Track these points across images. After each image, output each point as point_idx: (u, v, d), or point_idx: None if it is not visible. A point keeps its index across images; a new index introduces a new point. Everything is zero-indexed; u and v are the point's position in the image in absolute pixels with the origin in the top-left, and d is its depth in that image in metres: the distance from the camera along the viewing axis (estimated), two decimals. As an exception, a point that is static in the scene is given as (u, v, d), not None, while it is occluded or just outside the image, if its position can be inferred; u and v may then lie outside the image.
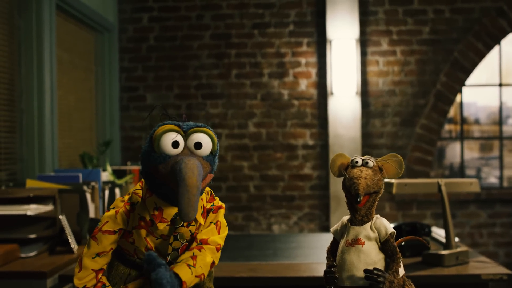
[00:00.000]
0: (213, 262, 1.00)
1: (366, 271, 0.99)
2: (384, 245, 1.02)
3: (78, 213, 2.08)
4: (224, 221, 1.03)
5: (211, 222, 1.00)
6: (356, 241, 1.03)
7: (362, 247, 1.02)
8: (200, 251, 0.97)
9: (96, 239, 0.94)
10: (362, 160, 1.06)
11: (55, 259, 1.81)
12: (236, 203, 3.78)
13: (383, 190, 1.07)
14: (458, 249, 1.73)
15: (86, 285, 0.94)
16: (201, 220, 0.97)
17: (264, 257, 1.91)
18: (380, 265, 1.01)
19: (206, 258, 0.96)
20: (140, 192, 0.96)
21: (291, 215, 3.77)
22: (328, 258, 1.10)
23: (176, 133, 0.90)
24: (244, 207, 3.78)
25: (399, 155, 1.08)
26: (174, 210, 0.93)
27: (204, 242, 0.98)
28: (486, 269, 1.66)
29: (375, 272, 0.98)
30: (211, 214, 1.00)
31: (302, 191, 3.76)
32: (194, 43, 3.80)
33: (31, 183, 2.14)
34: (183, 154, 0.89)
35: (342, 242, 1.06)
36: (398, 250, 1.03)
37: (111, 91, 3.72)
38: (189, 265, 0.93)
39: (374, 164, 1.05)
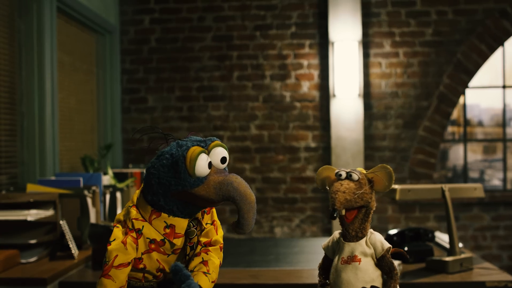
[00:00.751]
0: (219, 264, 1.02)
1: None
2: (381, 261, 0.98)
3: (79, 218, 2.07)
4: (218, 220, 1.04)
5: (207, 223, 1.00)
6: (352, 258, 0.99)
7: (359, 264, 0.98)
8: (208, 254, 0.98)
9: (111, 276, 0.90)
10: (347, 173, 1.02)
11: (55, 265, 1.80)
12: (238, 205, 3.76)
13: (373, 203, 1.03)
14: (463, 256, 1.71)
15: None
16: (204, 225, 0.99)
17: (266, 263, 1.89)
18: (378, 282, 0.98)
19: (215, 262, 0.99)
20: (139, 217, 0.93)
21: (293, 217, 3.75)
22: (320, 275, 1.08)
23: (206, 154, 0.90)
24: (246, 210, 3.76)
25: (388, 167, 1.00)
26: (186, 222, 0.93)
27: (208, 244, 0.99)
28: (491, 276, 1.64)
29: None
30: (205, 215, 0.99)
31: (304, 193, 3.75)
32: (196, 45, 3.78)
33: (31, 188, 2.13)
34: (213, 171, 0.90)
35: (335, 260, 1.02)
36: (396, 266, 0.99)
37: (112, 93, 3.71)
38: (205, 273, 0.95)
39: (360, 177, 1.01)
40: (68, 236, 1.92)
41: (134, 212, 0.94)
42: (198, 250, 0.99)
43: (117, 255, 0.89)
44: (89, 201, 2.15)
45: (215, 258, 0.99)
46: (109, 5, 3.62)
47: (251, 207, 0.87)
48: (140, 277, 0.96)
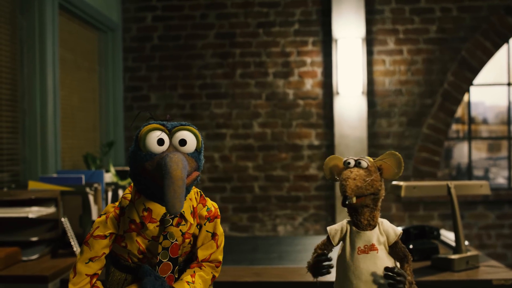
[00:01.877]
0: (214, 277, 1.02)
1: (386, 269, 0.94)
2: (394, 247, 0.97)
3: (81, 215, 2.05)
4: (221, 230, 1.04)
5: (207, 231, 1.00)
6: (370, 248, 0.98)
7: (377, 253, 0.97)
8: (201, 268, 1.00)
9: (88, 244, 0.96)
10: (355, 160, 1.00)
11: (57, 262, 1.79)
12: (240, 203, 3.74)
13: (382, 191, 1.01)
14: (469, 253, 1.69)
15: None
16: (191, 219, 0.98)
17: (269, 261, 1.87)
18: (380, 263, 0.97)
19: (205, 276, 1.00)
20: (129, 196, 0.98)
21: (296, 216, 3.73)
22: (315, 251, 1.05)
23: (160, 131, 0.92)
24: (248, 208, 3.75)
25: (397, 153, 1.00)
26: (163, 210, 0.94)
27: (205, 260, 1.01)
28: (497, 274, 1.62)
29: (396, 271, 0.93)
30: (207, 223, 1.00)
31: (308, 191, 3.73)
32: (198, 42, 3.77)
33: (33, 185, 2.12)
34: (168, 151, 0.91)
35: (347, 250, 1.00)
36: (407, 251, 0.99)
37: (114, 91, 3.70)
38: (188, 282, 0.97)
39: (368, 164, 0.99)
40: (70, 233, 1.91)
41: (127, 190, 0.99)
42: (193, 264, 1.01)
43: (98, 227, 0.95)
44: (91, 198, 2.14)
45: (207, 273, 1.00)
46: (111, 2, 3.60)
47: (171, 182, 0.84)
48: (126, 256, 0.98)
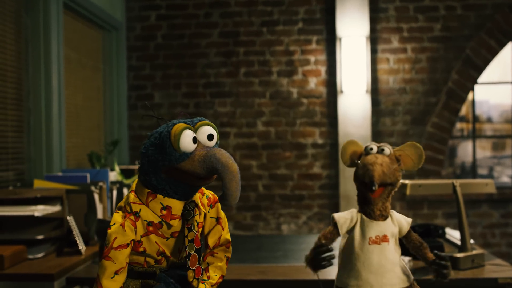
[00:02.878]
0: (227, 258, 1.06)
1: (435, 254, 0.96)
2: (408, 237, 0.96)
3: (86, 213, 2.06)
4: (223, 213, 1.06)
5: (211, 217, 1.03)
6: (382, 238, 0.95)
7: (388, 244, 0.95)
8: (213, 256, 1.03)
9: (110, 258, 0.92)
10: (378, 147, 0.98)
11: (62, 261, 1.79)
12: (244, 202, 3.75)
13: (399, 183, 0.98)
14: (474, 252, 1.69)
15: None
16: (203, 209, 1.00)
17: (274, 259, 1.87)
18: (401, 263, 0.95)
19: (219, 262, 1.03)
20: (137, 200, 0.96)
21: (300, 214, 3.73)
22: (319, 240, 1.03)
23: (191, 130, 0.93)
24: (252, 207, 3.75)
25: (419, 145, 0.97)
26: (182, 204, 0.95)
27: (216, 245, 1.03)
28: (503, 273, 1.62)
29: (442, 254, 0.92)
30: (210, 210, 1.03)
31: (312, 190, 3.72)
32: (202, 41, 3.77)
33: (38, 183, 2.13)
34: (199, 147, 0.93)
35: (357, 239, 0.97)
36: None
37: (119, 89, 3.70)
38: (203, 281, 1.00)
39: (391, 152, 0.97)
40: (75, 232, 1.91)
41: (132, 196, 0.97)
42: (206, 253, 1.03)
43: (116, 237, 0.92)
44: (96, 197, 2.14)
45: (221, 258, 1.03)
46: (115, 1, 3.61)
47: (233, 176, 0.88)
48: (142, 261, 0.97)
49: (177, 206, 0.95)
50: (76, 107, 3.16)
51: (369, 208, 0.96)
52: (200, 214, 0.99)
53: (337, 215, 1.01)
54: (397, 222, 0.95)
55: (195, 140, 0.92)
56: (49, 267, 1.71)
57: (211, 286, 1.01)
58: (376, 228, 0.96)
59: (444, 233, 1.89)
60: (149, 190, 0.95)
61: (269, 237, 2.45)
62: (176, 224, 0.95)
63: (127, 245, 0.92)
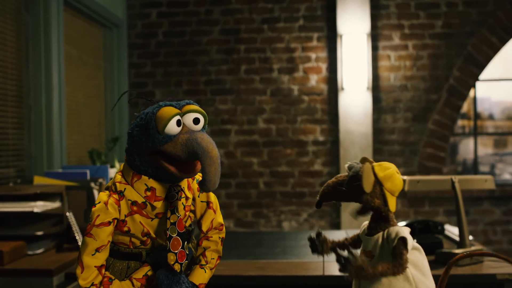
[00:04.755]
0: (222, 239, 1.06)
1: (311, 239, 0.98)
2: (393, 250, 0.94)
3: (86, 210, 2.07)
4: (213, 195, 1.06)
5: (202, 201, 1.03)
6: (366, 254, 0.97)
7: (371, 260, 0.95)
8: (208, 240, 1.03)
9: (92, 235, 0.92)
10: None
11: (62, 256, 1.80)
12: (245, 199, 3.75)
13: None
14: (472, 248, 1.68)
15: (93, 282, 0.93)
16: (188, 194, 1.00)
17: (273, 255, 1.87)
18: (387, 283, 0.94)
19: (214, 246, 1.04)
20: (123, 180, 0.96)
21: (301, 212, 3.73)
22: (346, 239, 1.05)
23: (178, 115, 0.93)
24: (253, 204, 3.75)
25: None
26: (166, 187, 0.96)
27: (209, 229, 1.04)
28: (502, 269, 1.61)
29: (348, 251, 0.92)
30: (200, 194, 1.03)
31: (313, 187, 3.72)
32: (203, 38, 3.77)
33: (38, 180, 2.13)
34: (184, 130, 0.93)
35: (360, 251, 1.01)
36: (404, 258, 0.91)
37: (119, 87, 3.71)
38: (201, 265, 1.02)
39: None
40: (75, 228, 1.92)
41: (118, 176, 0.97)
42: (200, 237, 1.04)
43: (98, 215, 0.92)
44: (96, 193, 2.15)
45: (215, 241, 1.04)
46: (116, -1, 3.61)
47: (212, 161, 0.88)
48: (128, 241, 0.97)
49: (161, 188, 0.95)
50: (77, 105, 3.17)
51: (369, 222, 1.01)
52: (186, 198, 0.99)
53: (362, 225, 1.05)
54: (386, 237, 0.95)
55: (179, 123, 0.92)
56: (48, 262, 1.72)
57: (210, 269, 1.02)
58: (364, 243, 1.00)
59: (443, 229, 1.89)
60: (133, 171, 0.95)
61: (269, 233, 2.45)
62: (160, 205, 0.95)
63: (109, 223, 0.93)
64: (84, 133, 3.28)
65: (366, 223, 1.03)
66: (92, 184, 2.13)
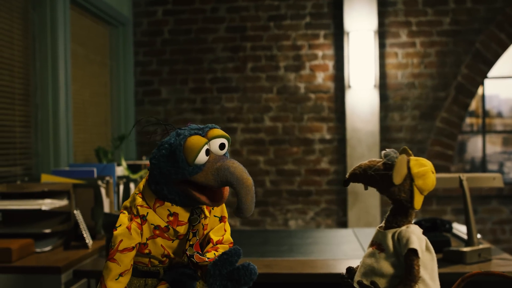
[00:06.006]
0: None
1: (359, 283, 0.93)
2: (404, 260, 0.90)
3: (93, 208, 2.07)
4: (226, 212, 1.05)
5: (215, 216, 1.02)
6: (375, 245, 0.96)
7: (378, 253, 0.94)
8: (217, 251, 1.00)
9: (115, 260, 0.92)
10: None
11: (69, 254, 1.81)
12: (252, 198, 3.74)
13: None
14: (481, 246, 1.67)
15: None
16: (207, 213, 1.00)
17: (279, 253, 1.87)
18: (387, 281, 0.92)
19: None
20: (144, 204, 0.96)
21: (308, 210, 3.73)
22: None
23: (205, 142, 0.92)
24: (260, 202, 3.75)
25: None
26: (189, 211, 0.96)
27: (219, 242, 1.02)
28: (510, 267, 1.60)
29: (365, 284, 0.91)
30: (215, 208, 1.02)
31: (319, 186, 3.71)
32: (209, 36, 3.77)
33: (46, 178, 2.14)
34: (211, 158, 0.92)
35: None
36: (415, 272, 0.89)
37: (126, 85, 3.72)
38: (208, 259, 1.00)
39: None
40: (82, 225, 1.93)
41: (139, 199, 0.96)
42: (208, 247, 1.01)
43: (122, 240, 0.92)
44: (103, 191, 2.15)
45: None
46: (122, -3, 3.62)
47: (248, 190, 0.89)
48: (146, 262, 0.97)
49: (183, 212, 0.95)
50: (84, 103, 3.18)
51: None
52: (205, 216, 0.99)
53: None
54: (397, 239, 0.93)
55: (207, 152, 0.91)
56: (56, 260, 1.73)
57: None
58: (376, 235, 0.98)
59: (451, 227, 1.88)
60: (156, 197, 0.95)
61: (275, 231, 2.45)
62: (183, 230, 0.95)
63: (133, 248, 0.93)
64: (91, 131, 3.29)
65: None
66: (99, 182, 2.13)
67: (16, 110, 2.49)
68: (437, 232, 1.83)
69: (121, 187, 2.45)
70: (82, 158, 3.09)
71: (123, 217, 0.94)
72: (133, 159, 3.62)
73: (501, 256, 1.73)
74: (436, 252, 1.73)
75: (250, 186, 0.89)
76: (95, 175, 2.29)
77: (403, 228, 0.94)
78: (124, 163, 2.68)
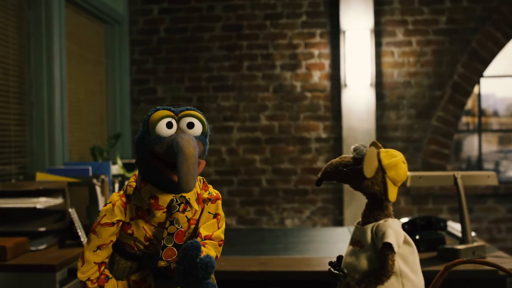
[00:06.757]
0: (216, 256, 1.02)
1: (330, 263, 0.93)
2: (379, 253, 0.90)
3: (88, 206, 2.07)
4: (223, 212, 1.04)
5: (209, 212, 1.01)
6: (355, 242, 0.94)
7: (358, 250, 0.93)
8: (204, 246, 0.99)
9: (96, 232, 0.96)
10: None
11: (64, 252, 1.81)
12: (248, 197, 3.74)
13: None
14: (475, 244, 1.68)
15: (89, 277, 0.96)
16: (196, 206, 0.99)
17: (275, 251, 1.87)
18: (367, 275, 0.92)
19: (211, 253, 0.99)
20: (134, 184, 0.99)
21: (304, 209, 3.73)
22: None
23: (169, 116, 0.95)
24: (256, 201, 3.75)
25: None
26: (169, 197, 0.96)
27: (208, 238, 1.01)
28: (504, 265, 1.60)
29: (337, 267, 0.90)
30: (209, 204, 1.01)
31: (315, 185, 3.71)
32: (205, 34, 3.76)
33: (41, 176, 2.13)
34: (177, 133, 0.94)
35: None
36: (388, 266, 0.88)
37: (121, 84, 3.71)
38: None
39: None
40: (77, 224, 1.92)
41: (132, 179, 1.00)
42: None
43: (105, 215, 0.96)
44: (98, 189, 2.15)
45: (211, 251, 1.00)
46: (118, -5, 3.61)
47: (184, 159, 0.87)
48: (132, 244, 0.98)
49: (164, 197, 0.95)
50: (79, 101, 3.17)
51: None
52: (191, 210, 0.98)
53: None
54: (375, 232, 0.92)
55: (170, 125, 0.93)
56: (51, 258, 1.73)
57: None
58: (354, 231, 0.97)
59: (445, 225, 1.88)
60: (142, 177, 0.97)
61: (271, 230, 2.45)
62: (160, 214, 0.96)
63: (112, 224, 0.95)
64: (86, 129, 3.28)
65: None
66: (94, 181, 2.12)
67: (11, 108, 2.48)
68: (432, 230, 1.84)
69: (116, 186, 2.45)
70: (77, 157, 3.09)
71: (114, 195, 0.98)
72: (129, 158, 3.62)
73: (496, 254, 1.73)
74: (431, 250, 1.75)
75: (187, 155, 0.87)
76: (90, 173, 2.29)
77: (381, 222, 0.93)
78: (119, 161, 2.67)
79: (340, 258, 0.98)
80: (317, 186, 1.00)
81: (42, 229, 1.85)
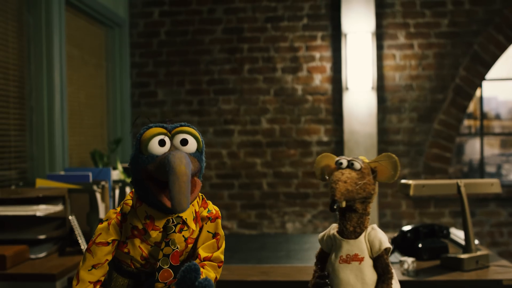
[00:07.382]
0: (216, 278, 1.00)
1: (319, 276, 0.93)
2: (376, 261, 0.89)
3: (88, 213, 2.05)
4: (222, 231, 1.02)
5: (209, 232, 0.99)
6: (352, 258, 0.92)
7: (360, 264, 0.91)
8: (204, 267, 0.98)
9: (91, 251, 0.95)
10: (348, 161, 0.95)
11: (64, 260, 1.79)
12: (249, 200, 3.73)
13: (375, 195, 0.96)
14: (478, 253, 1.66)
15: None
16: (193, 226, 0.97)
17: (276, 259, 1.85)
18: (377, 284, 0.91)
19: (210, 275, 0.98)
20: (130, 202, 0.97)
21: (305, 213, 3.71)
22: (316, 264, 1.02)
23: (161, 133, 0.93)
24: (257, 205, 3.73)
25: (394, 155, 0.94)
26: (165, 218, 0.94)
27: (207, 259, 0.99)
28: (508, 274, 1.59)
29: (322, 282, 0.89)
30: (209, 222, 0.99)
31: (316, 188, 3.70)
32: (206, 37, 3.74)
33: (40, 183, 2.12)
34: (171, 150, 0.92)
35: (332, 257, 0.95)
36: (391, 269, 0.89)
37: (122, 87, 3.69)
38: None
39: (362, 166, 0.94)
40: (77, 231, 1.91)
41: (129, 197, 0.99)
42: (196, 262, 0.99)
43: (100, 234, 0.95)
44: (98, 196, 2.13)
45: (211, 272, 0.98)
46: (118, -2, 3.59)
47: (176, 178, 0.84)
48: (129, 262, 0.98)
49: (159, 217, 0.94)
50: (79, 105, 3.16)
51: (343, 224, 0.94)
52: (188, 230, 0.96)
53: (320, 234, 1.00)
54: (369, 242, 0.91)
55: (162, 143, 0.91)
56: (51, 267, 1.71)
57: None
58: (346, 247, 0.94)
59: (448, 233, 1.86)
60: (137, 196, 0.96)
61: (272, 236, 2.43)
62: (156, 235, 0.94)
63: (107, 243, 0.94)
64: (86, 133, 3.26)
65: (333, 225, 1.00)
66: (95, 187, 2.11)
67: (10, 113, 2.47)
68: (434, 238, 1.82)
69: (117, 192, 2.43)
70: (78, 161, 3.07)
71: (111, 212, 0.97)
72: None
73: (499, 263, 1.72)
74: (433, 258, 1.73)
75: (179, 174, 0.84)
76: (91, 179, 2.27)
77: (368, 230, 0.92)
78: (120, 166, 2.66)
79: (325, 276, 0.96)
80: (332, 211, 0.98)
81: (42, 236, 1.83)
